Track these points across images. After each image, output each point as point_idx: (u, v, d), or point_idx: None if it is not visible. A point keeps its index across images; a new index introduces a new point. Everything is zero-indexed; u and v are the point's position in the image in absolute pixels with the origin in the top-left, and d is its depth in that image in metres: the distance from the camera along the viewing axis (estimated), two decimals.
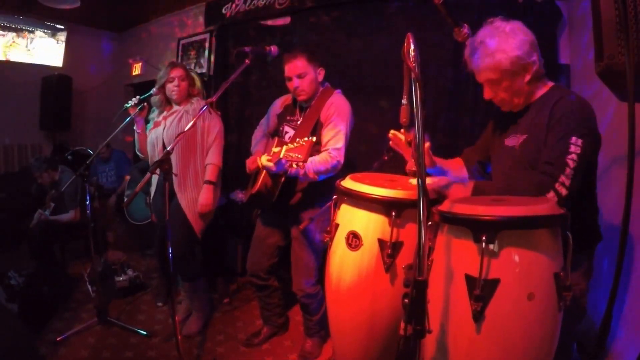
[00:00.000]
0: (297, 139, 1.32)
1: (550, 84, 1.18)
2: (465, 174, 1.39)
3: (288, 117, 1.82)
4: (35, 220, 2.68)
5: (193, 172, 1.99)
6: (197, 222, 1.98)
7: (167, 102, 2.10)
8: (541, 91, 1.17)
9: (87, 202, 2.08)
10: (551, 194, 1.01)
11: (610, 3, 1.12)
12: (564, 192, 1.01)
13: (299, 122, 1.75)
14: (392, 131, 1.26)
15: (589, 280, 1.16)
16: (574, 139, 1.02)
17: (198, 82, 2.14)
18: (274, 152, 1.34)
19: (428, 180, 1.13)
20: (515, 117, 1.22)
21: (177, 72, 2.01)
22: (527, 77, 1.12)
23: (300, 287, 1.76)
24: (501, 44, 1.09)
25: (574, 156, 1.01)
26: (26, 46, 3.84)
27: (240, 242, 2.68)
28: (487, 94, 1.19)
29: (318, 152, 1.65)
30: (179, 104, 2.06)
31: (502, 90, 1.15)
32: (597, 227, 1.19)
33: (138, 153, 2.19)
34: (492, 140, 1.33)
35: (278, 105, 1.91)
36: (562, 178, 1.01)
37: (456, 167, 1.39)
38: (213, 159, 2.00)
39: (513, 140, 1.20)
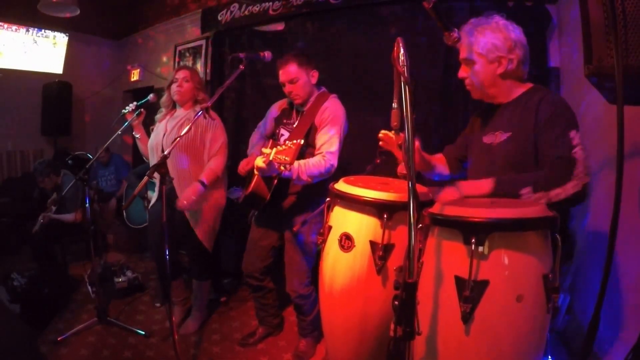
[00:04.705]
0: (287, 142, 1.34)
1: (530, 84, 1.21)
2: (447, 171, 1.43)
3: (284, 120, 1.84)
4: (37, 225, 2.70)
5: (194, 181, 1.95)
6: (199, 230, 1.99)
7: (173, 105, 2.11)
8: (520, 90, 1.20)
9: (87, 206, 2.10)
10: (572, 184, 1.00)
11: (599, 5, 1.12)
12: (586, 179, 1.01)
13: (294, 125, 1.77)
14: (382, 131, 1.29)
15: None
16: (572, 132, 1.05)
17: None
18: (265, 153, 1.37)
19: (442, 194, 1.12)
20: (493, 114, 1.24)
21: (181, 74, 2.04)
22: (499, 70, 1.17)
23: (293, 288, 1.77)
24: (486, 30, 1.16)
25: (579, 149, 1.03)
26: (27, 53, 3.87)
27: (236, 243, 2.69)
28: (461, 72, 1.24)
29: (312, 155, 1.66)
30: (182, 106, 2.07)
31: (473, 73, 1.20)
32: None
33: (144, 159, 2.20)
34: (470, 138, 1.35)
35: (275, 108, 1.93)
36: (579, 169, 1.01)
37: (440, 163, 1.44)
38: (213, 164, 1.97)
39: (491, 138, 1.22)
